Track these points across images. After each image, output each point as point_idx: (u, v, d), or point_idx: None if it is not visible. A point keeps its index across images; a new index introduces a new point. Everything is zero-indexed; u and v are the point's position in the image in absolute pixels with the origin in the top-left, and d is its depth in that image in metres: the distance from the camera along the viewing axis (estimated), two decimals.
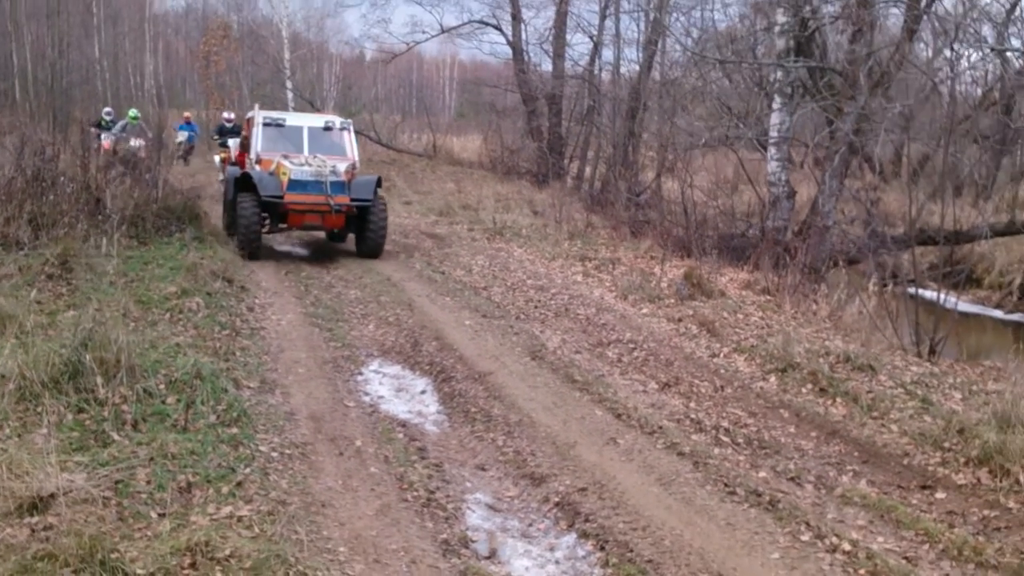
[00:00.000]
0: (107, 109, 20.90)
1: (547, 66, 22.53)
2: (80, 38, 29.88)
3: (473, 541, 4.30)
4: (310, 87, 32.68)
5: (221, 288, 8.33)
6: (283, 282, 9.58)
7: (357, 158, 11.93)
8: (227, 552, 3.51)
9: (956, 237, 13.25)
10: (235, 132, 16.44)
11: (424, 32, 24.10)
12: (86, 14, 31.68)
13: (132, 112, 19.37)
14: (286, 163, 10.76)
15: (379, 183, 11.58)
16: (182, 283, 8.02)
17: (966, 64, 17.71)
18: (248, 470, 4.47)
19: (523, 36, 22.38)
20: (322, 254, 11.93)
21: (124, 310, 6.72)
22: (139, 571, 3.29)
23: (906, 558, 4.18)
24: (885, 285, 10.35)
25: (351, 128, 12.41)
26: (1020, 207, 17.36)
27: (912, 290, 9.99)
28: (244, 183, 10.97)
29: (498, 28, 22.77)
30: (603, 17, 20.17)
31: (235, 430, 4.96)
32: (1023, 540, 4.39)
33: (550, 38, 21.60)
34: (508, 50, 22.89)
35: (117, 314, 6.22)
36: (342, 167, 10.97)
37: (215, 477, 4.31)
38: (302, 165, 10.70)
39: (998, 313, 14.80)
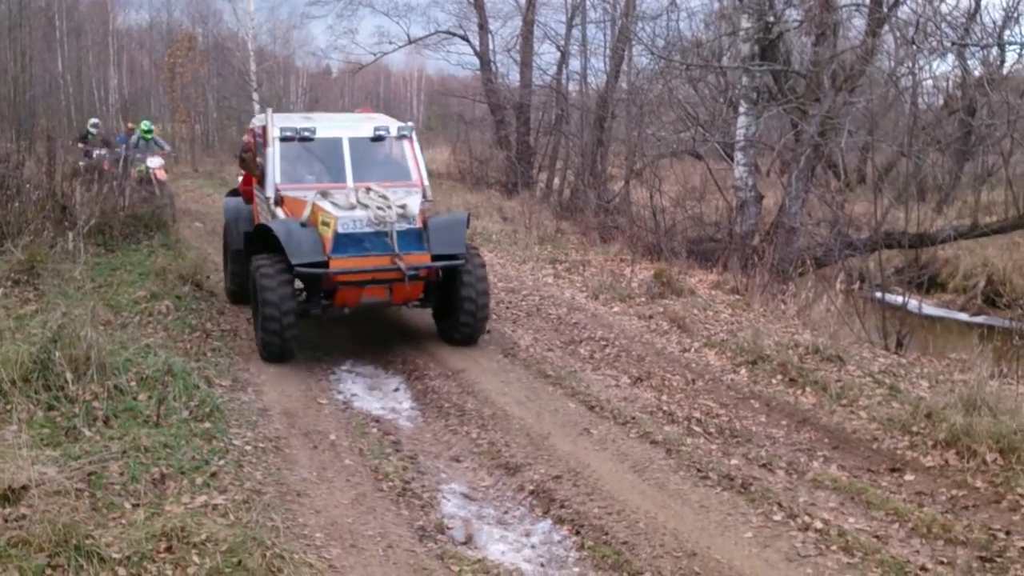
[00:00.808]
0: (93, 120, 17.43)
1: (515, 76, 22.66)
2: (42, 52, 29.52)
3: (449, 528, 4.31)
4: (277, 100, 32.54)
5: (191, 292, 8.27)
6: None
7: (427, 183, 7.80)
8: (203, 537, 3.50)
9: (920, 240, 13.52)
10: None
11: (391, 43, 24.03)
12: (48, 28, 31.31)
13: (145, 124, 15.48)
14: (328, 207, 6.82)
15: (468, 222, 7.68)
16: (151, 288, 7.96)
17: (928, 73, 18.13)
18: (222, 462, 4.46)
19: (490, 46, 22.50)
20: None
21: (93, 313, 6.65)
22: (115, 555, 3.27)
23: (876, 536, 4.25)
24: (852, 286, 10.55)
25: (413, 135, 7.98)
26: (983, 211, 17.75)
27: (878, 293, 10.18)
28: (261, 240, 7.22)
29: (465, 39, 22.83)
30: (570, 27, 20.33)
31: (208, 425, 4.94)
32: (990, 517, 4.49)
33: (517, 47, 21.74)
34: (475, 60, 22.98)
35: (86, 316, 6.15)
36: (413, 203, 7.07)
37: (189, 469, 4.29)
38: (352, 208, 6.81)
39: (963, 316, 15.06)
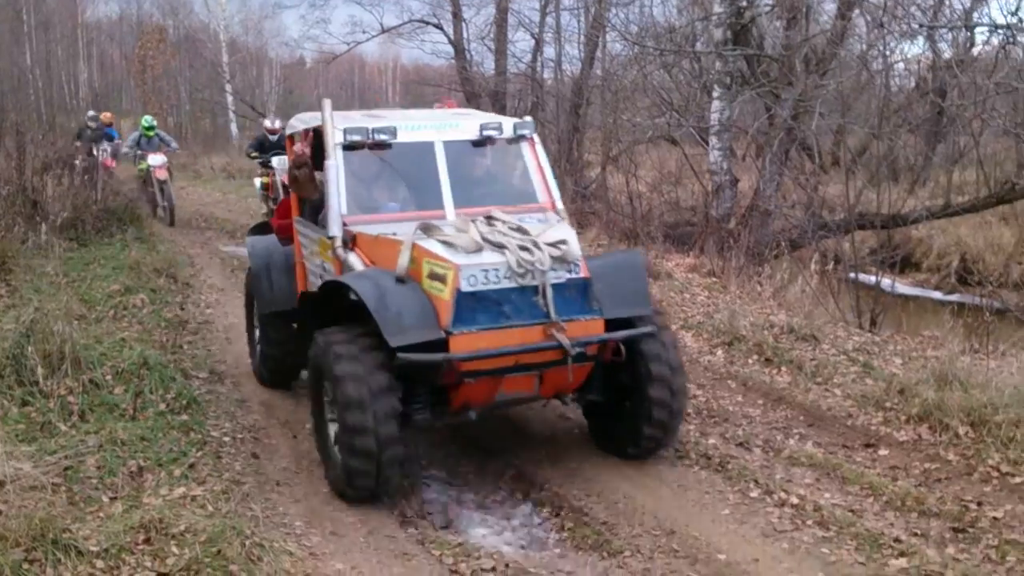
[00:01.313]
0: (91, 113, 15.78)
1: (489, 64, 22.59)
2: (10, 46, 29.14)
3: (430, 513, 4.33)
4: (250, 91, 32.29)
5: (166, 285, 8.22)
6: (229, 279, 9.45)
7: (561, 206, 5.43)
8: (182, 528, 3.49)
9: (894, 221, 13.67)
10: (280, 145, 11.17)
11: (365, 32, 23.80)
12: (15, 21, 30.88)
13: (146, 120, 14.04)
14: (440, 249, 4.34)
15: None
16: (125, 281, 7.90)
17: (899, 55, 18.27)
18: (200, 453, 4.45)
19: (464, 34, 22.39)
20: None
21: (67, 308, 6.60)
22: (92, 548, 3.26)
23: (852, 510, 4.31)
24: (826, 267, 10.66)
25: (535, 135, 5.49)
26: (955, 191, 17.97)
27: (852, 274, 10.30)
28: (322, 303, 4.86)
29: (439, 27, 22.69)
30: (544, 14, 20.28)
31: (185, 417, 4.92)
32: (962, 489, 4.56)
33: (491, 35, 21.68)
34: (450, 49, 22.87)
35: (59, 310, 6.11)
36: (571, 238, 4.55)
37: (167, 461, 4.28)
38: (478, 250, 4.33)
39: (937, 294, 15.24)
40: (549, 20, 20.21)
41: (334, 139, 4.82)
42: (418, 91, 33.68)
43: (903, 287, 14.71)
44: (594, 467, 4.82)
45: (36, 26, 32.85)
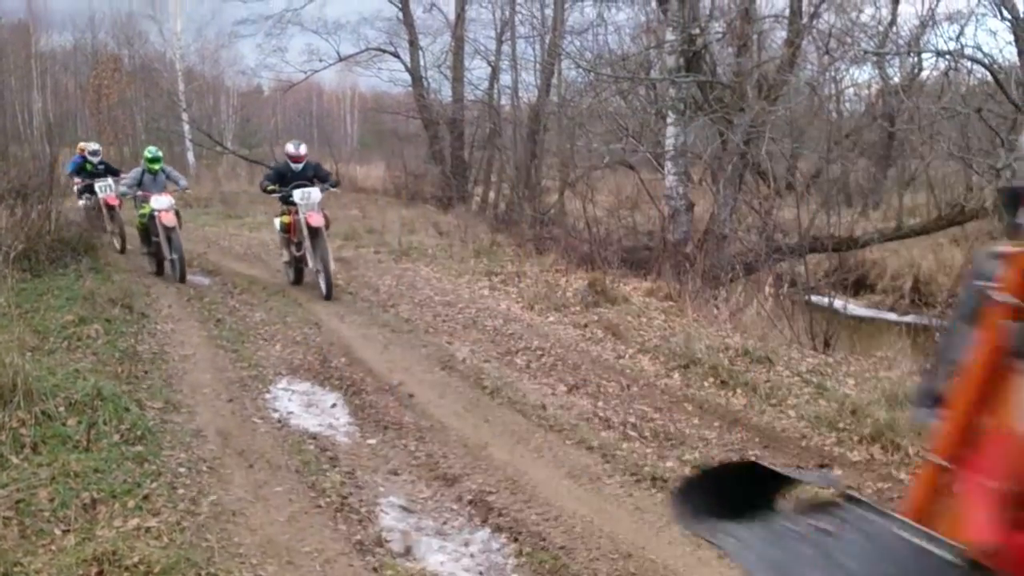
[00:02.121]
0: (92, 147, 14.12)
1: (447, 92, 22.77)
2: None
3: (388, 541, 4.31)
4: (207, 120, 32.06)
5: (121, 315, 8.11)
6: (185, 308, 9.36)
7: None
8: (135, 560, 3.45)
9: (847, 244, 14.01)
10: (306, 176, 10.11)
11: (321, 60, 23.92)
12: None
13: (150, 151, 11.52)
14: None
15: None
16: (79, 312, 7.77)
17: (849, 81, 18.81)
18: (155, 484, 4.39)
19: (421, 62, 22.59)
20: (226, 279, 11.46)
21: (19, 339, 6.48)
22: None
23: None
24: (781, 290, 10.87)
25: None
26: (907, 213, 18.46)
27: (807, 296, 10.51)
28: None
29: (396, 55, 22.90)
30: (500, 42, 20.57)
31: (140, 448, 4.86)
32: None
33: (448, 63, 21.87)
34: (407, 77, 23.04)
35: (12, 342, 6.00)
36: None
37: (121, 492, 4.22)
38: None
39: (892, 316, 15.59)
40: (505, 48, 20.51)
41: None
42: (376, 118, 33.76)
43: (857, 309, 15.02)
44: (553, 491, 4.86)
45: None
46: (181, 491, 4.42)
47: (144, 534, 3.79)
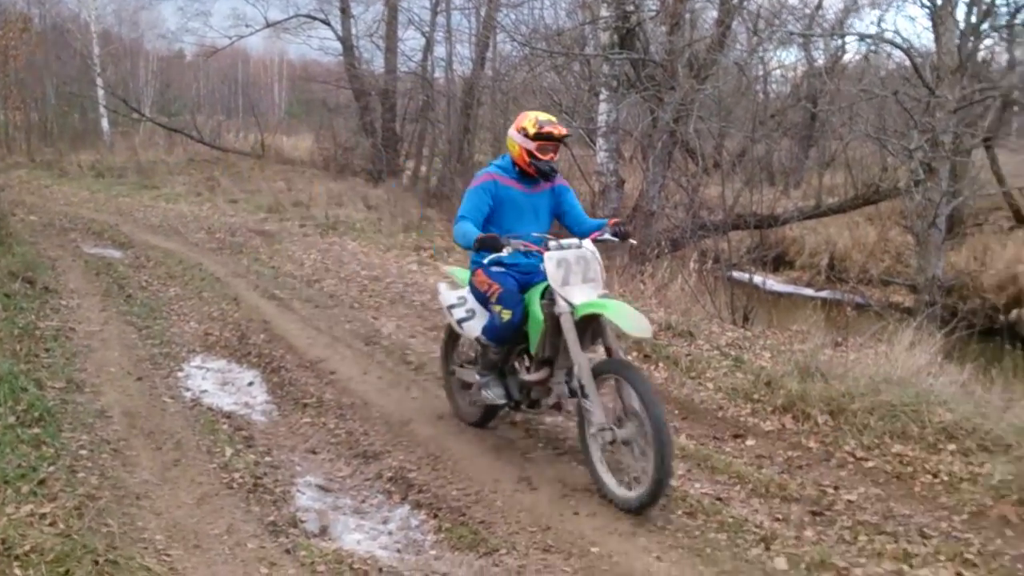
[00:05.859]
0: None
1: (379, 62, 22.30)
2: None
3: (303, 521, 4.20)
4: (123, 85, 30.82)
5: (21, 290, 7.72)
6: (93, 282, 8.97)
7: None
8: (27, 548, 3.27)
9: (769, 221, 14.25)
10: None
11: (248, 26, 23.17)
12: None
13: None
14: None
15: None
16: None
17: (776, 63, 19.08)
18: (52, 468, 4.17)
19: (353, 31, 22.04)
20: (139, 252, 11.02)
21: None
22: None
23: (719, 499, 4.44)
24: (705, 266, 10.99)
25: None
26: (826, 192, 18.92)
27: (728, 272, 10.65)
28: None
29: (326, 23, 22.29)
30: (435, 13, 20.16)
31: (37, 430, 4.61)
32: (821, 475, 4.77)
33: (381, 32, 21.39)
34: (338, 46, 22.46)
35: None
36: None
37: (14, 477, 3.99)
38: None
39: (809, 291, 15.95)
40: (440, 19, 20.13)
41: None
42: (305, 87, 32.97)
43: (777, 284, 15.35)
44: (475, 467, 4.80)
45: None
46: (81, 475, 4.22)
47: (38, 520, 3.59)
